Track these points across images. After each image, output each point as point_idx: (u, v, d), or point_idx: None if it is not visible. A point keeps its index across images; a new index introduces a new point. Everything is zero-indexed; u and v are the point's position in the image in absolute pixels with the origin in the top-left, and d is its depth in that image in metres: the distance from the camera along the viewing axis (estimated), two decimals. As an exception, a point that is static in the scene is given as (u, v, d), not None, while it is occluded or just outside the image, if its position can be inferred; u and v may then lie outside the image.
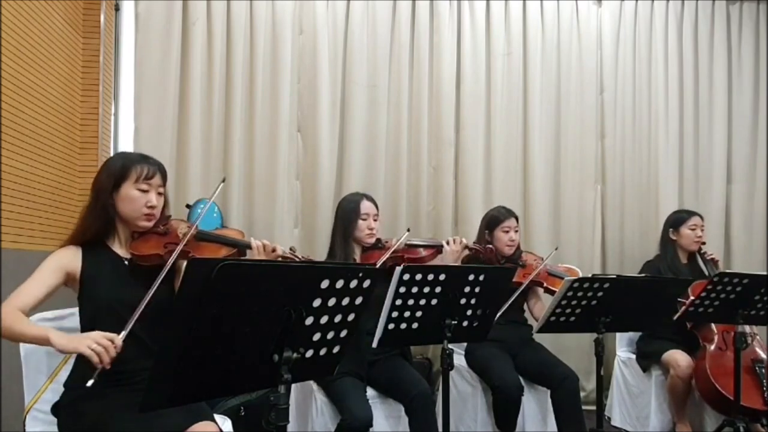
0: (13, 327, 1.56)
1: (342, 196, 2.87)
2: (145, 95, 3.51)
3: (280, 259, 1.89)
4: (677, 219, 3.37)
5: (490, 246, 2.84)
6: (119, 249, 1.79)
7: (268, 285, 1.21)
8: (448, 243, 2.65)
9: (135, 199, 1.73)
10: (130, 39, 3.58)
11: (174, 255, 1.65)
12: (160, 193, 1.79)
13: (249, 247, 1.88)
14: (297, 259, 1.95)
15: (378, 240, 2.66)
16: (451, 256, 2.63)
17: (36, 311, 1.71)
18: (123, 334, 1.53)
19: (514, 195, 3.88)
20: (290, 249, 1.99)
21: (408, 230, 2.71)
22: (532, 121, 3.93)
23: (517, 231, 2.97)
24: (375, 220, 2.65)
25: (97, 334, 1.50)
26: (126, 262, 1.77)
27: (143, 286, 1.62)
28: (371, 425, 2.21)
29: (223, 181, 2.07)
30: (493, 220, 2.97)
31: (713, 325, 2.99)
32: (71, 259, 1.71)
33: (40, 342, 1.55)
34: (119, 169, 1.73)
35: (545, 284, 2.84)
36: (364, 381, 2.44)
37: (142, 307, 1.56)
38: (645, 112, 4.07)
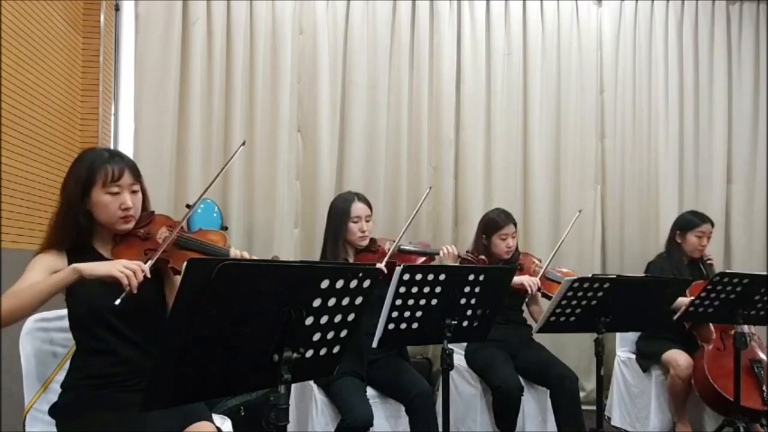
0: (21, 297, 1.50)
1: (342, 197, 2.86)
2: (145, 95, 3.51)
3: None
4: (687, 223, 3.28)
5: (483, 257, 2.82)
6: (103, 250, 1.73)
7: (268, 285, 1.21)
8: (448, 252, 2.62)
9: (107, 204, 1.66)
10: (130, 39, 3.58)
11: (150, 263, 1.61)
12: (134, 191, 1.71)
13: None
14: None
15: (372, 241, 2.61)
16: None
17: (34, 312, 1.68)
18: (149, 263, 1.59)
19: (514, 195, 3.88)
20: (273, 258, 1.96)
21: (430, 187, 3.13)
22: (532, 121, 3.93)
23: (514, 237, 2.92)
24: (368, 221, 2.58)
25: (125, 261, 1.55)
26: None
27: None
28: (371, 425, 2.21)
29: (243, 144, 2.14)
30: (491, 225, 2.93)
31: (711, 326, 2.99)
32: (56, 262, 1.66)
33: (67, 281, 1.52)
34: (85, 175, 1.65)
35: (542, 289, 2.82)
36: (364, 381, 2.43)
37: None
38: (645, 112, 4.06)
